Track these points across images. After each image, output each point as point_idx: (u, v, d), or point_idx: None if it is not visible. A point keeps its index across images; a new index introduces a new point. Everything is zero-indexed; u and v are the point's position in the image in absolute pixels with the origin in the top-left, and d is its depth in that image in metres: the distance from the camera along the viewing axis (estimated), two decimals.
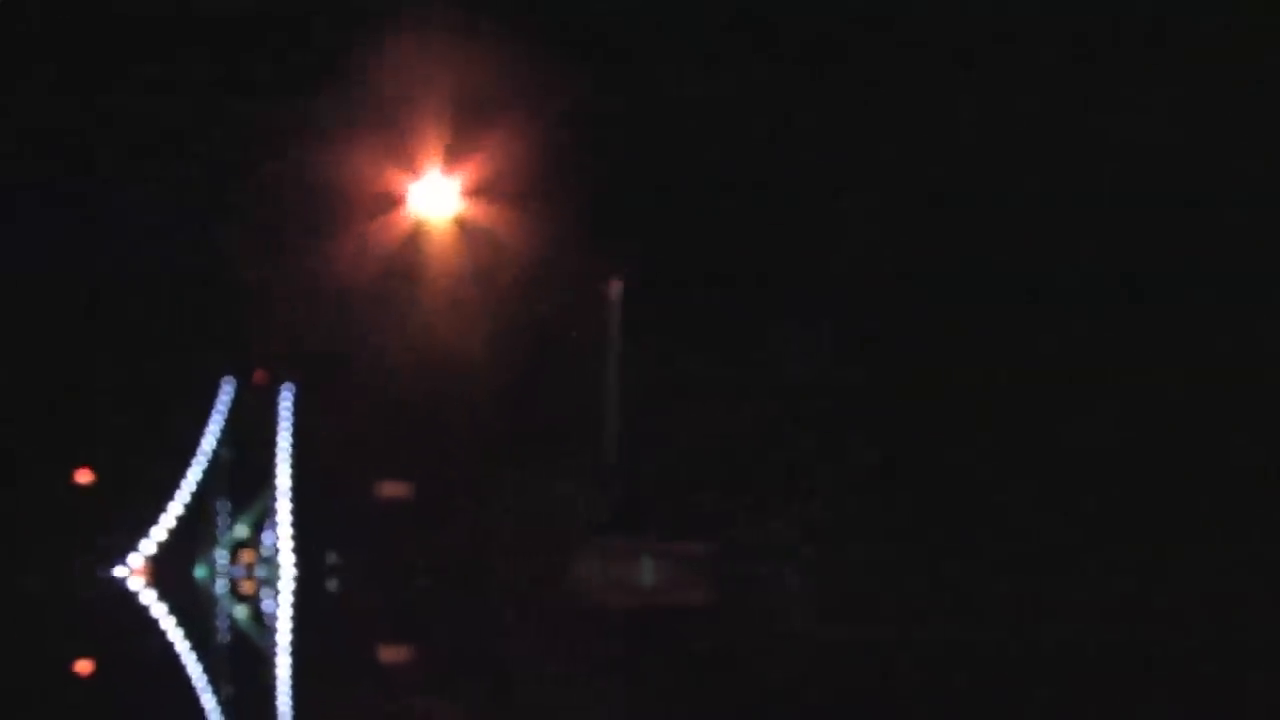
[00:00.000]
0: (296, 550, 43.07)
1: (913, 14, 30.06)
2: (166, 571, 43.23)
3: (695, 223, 31.80)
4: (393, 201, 33.36)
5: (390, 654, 21.68)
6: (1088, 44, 29.39)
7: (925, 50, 30.43)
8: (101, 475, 42.58)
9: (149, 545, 43.97)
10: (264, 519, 44.04)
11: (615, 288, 33.45)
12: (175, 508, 44.21)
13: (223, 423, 44.41)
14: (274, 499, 43.80)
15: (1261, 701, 13.90)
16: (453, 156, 32.58)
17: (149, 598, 36.57)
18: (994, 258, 29.80)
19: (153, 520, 43.97)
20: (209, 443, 44.30)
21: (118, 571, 43.10)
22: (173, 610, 30.46)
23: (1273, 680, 15.37)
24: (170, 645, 22.07)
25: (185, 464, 43.98)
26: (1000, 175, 29.41)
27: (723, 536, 31.34)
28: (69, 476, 42.20)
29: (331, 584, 40.79)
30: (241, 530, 44.56)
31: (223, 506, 44.62)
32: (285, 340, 35.56)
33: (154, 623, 27.40)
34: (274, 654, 20.23)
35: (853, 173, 30.98)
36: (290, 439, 43.82)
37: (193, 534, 44.25)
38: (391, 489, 39.81)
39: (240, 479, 44.52)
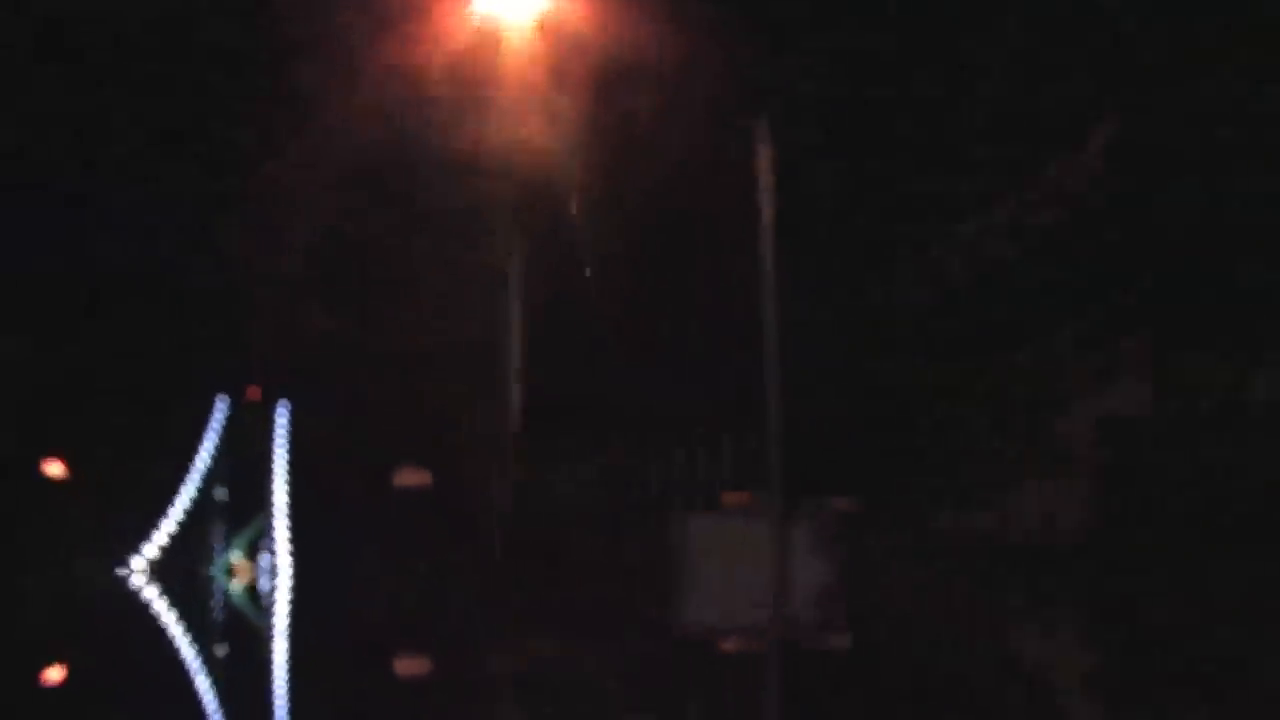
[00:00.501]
0: (295, 569, 42.26)
1: None
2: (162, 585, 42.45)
3: (876, 34, 24.45)
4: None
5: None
6: None
7: None
8: (91, 489, 41.77)
9: (140, 562, 43.24)
10: (261, 538, 43.36)
11: (762, 129, 24.20)
12: (169, 524, 43.56)
13: (217, 440, 43.87)
14: (271, 517, 43.12)
15: None
16: None
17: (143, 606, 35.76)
18: None
19: (145, 536, 43.34)
20: (203, 460, 43.73)
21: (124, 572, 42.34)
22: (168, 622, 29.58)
23: None
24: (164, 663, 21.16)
25: (179, 481, 43.45)
26: None
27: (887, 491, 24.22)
28: (57, 486, 41.46)
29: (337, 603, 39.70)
30: (238, 550, 43.83)
31: (218, 526, 43.91)
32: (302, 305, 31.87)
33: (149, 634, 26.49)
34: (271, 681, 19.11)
35: None
36: (287, 455, 43.22)
37: (187, 551, 43.54)
38: (410, 476, 36.37)
39: (236, 497, 43.85)
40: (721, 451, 26.81)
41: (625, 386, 27.68)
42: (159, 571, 42.28)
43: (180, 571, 42.25)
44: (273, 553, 42.56)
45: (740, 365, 25.68)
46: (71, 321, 36.90)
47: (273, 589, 33.34)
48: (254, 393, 43.54)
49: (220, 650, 19.44)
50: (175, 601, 26.77)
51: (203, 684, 15.11)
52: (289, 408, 43.38)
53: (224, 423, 43.95)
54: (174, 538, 43.58)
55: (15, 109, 28.97)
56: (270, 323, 33.44)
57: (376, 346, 32.24)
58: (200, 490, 43.84)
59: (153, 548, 43.41)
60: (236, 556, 43.71)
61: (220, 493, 43.94)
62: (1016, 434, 26.16)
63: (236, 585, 33.27)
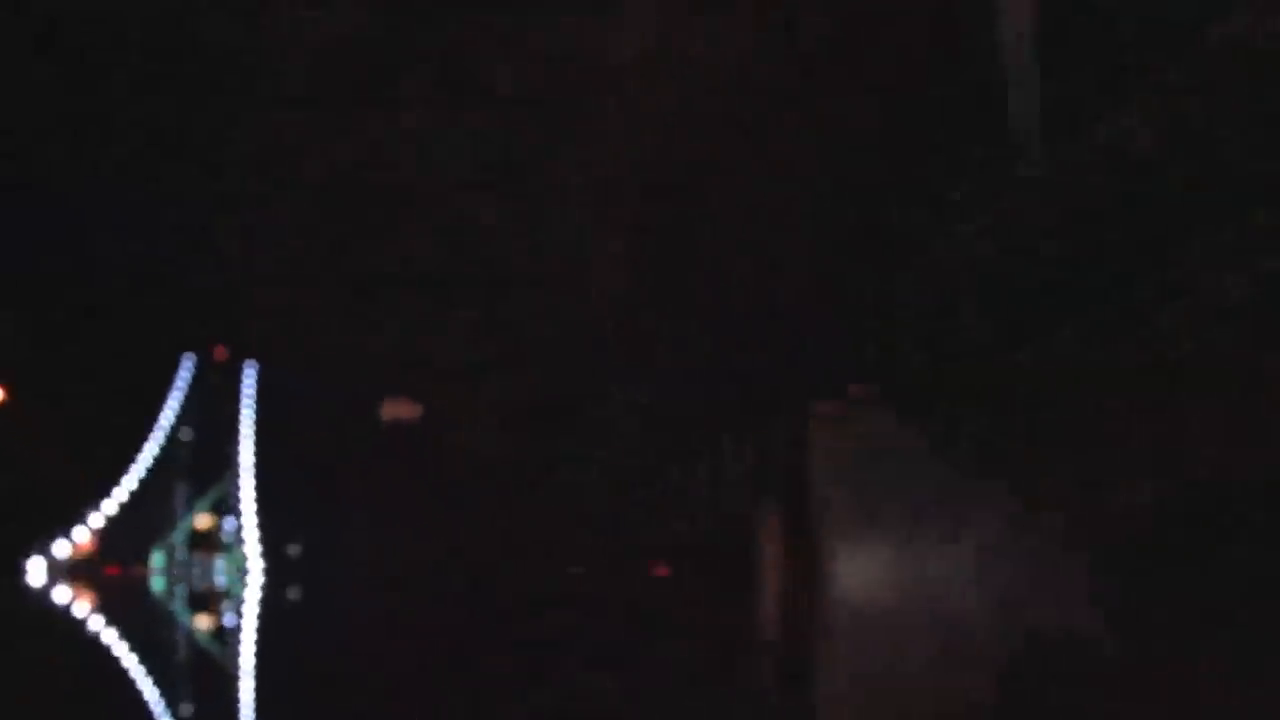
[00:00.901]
0: (262, 536, 41.71)
1: None
2: (118, 549, 41.89)
3: None
4: None
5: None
6: None
7: None
8: (53, 449, 41.04)
9: (97, 519, 42.64)
10: (225, 499, 42.79)
11: None
12: (129, 482, 42.96)
13: (182, 399, 43.19)
14: (237, 480, 42.59)
15: None
16: None
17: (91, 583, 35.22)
18: None
19: (103, 494, 42.74)
20: (167, 419, 43.07)
21: (57, 549, 41.63)
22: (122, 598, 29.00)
23: None
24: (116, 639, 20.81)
25: (139, 442, 42.81)
26: None
27: None
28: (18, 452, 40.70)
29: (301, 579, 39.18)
30: (202, 510, 43.22)
31: (181, 486, 43.26)
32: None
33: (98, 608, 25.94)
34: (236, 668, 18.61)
35: None
36: (254, 417, 42.70)
37: (147, 515, 42.94)
38: (399, 409, 32.97)
39: (200, 457, 43.23)
40: (723, 452, 26.54)
41: (630, 384, 27.35)
42: (113, 542, 41.61)
43: (136, 545, 41.73)
44: (238, 514, 42.06)
45: (745, 364, 25.34)
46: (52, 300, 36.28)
47: (238, 626, 31.82)
48: (221, 352, 42.95)
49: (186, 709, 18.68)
50: (135, 645, 25.86)
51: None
52: (257, 368, 42.93)
53: (190, 381, 43.33)
54: (134, 494, 42.95)
55: (16, 109, 28.30)
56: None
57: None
58: (164, 448, 43.22)
59: (112, 504, 42.82)
60: (202, 520, 43.12)
61: (184, 452, 43.32)
62: (1016, 434, 26.07)
63: (200, 623, 32.35)
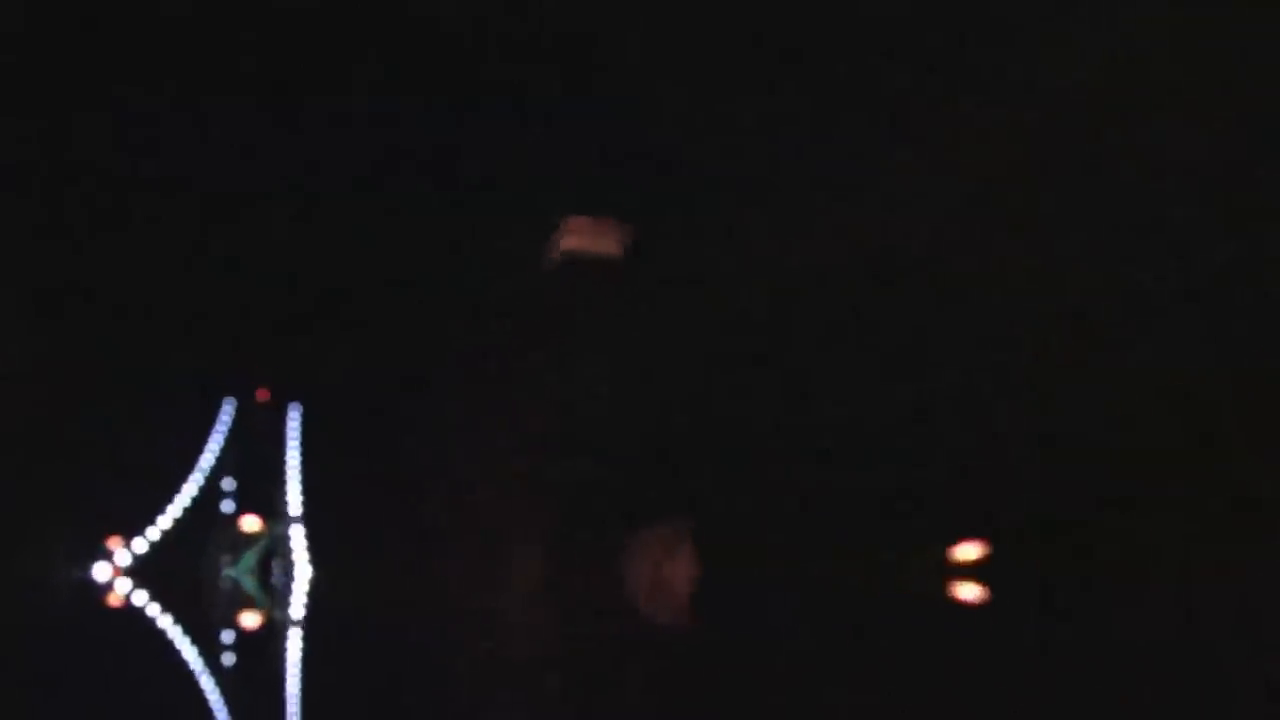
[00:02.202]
0: (313, 580, 40.01)
1: None
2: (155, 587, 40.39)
3: None
4: None
5: None
6: None
7: None
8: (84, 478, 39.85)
9: (123, 556, 41.22)
10: (272, 554, 41.09)
11: None
12: (165, 521, 41.50)
13: (223, 442, 41.69)
14: (285, 525, 41.02)
15: None
16: None
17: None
18: None
19: (139, 530, 41.34)
20: (207, 461, 41.59)
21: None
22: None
23: None
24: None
25: (180, 481, 41.41)
26: None
27: None
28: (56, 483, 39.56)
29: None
30: (245, 569, 41.38)
31: (223, 538, 41.61)
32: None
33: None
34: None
35: None
36: (299, 460, 41.21)
37: (188, 558, 41.34)
38: (586, 236, 25.08)
39: (243, 504, 41.71)
40: None
41: None
42: (150, 570, 40.19)
43: (177, 572, 40.24)
44: (288, 573, 40.27)
45: None
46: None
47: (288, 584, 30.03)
48: (263, 394, 41.65)
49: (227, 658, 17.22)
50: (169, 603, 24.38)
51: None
52: (301, 409, 41.60)
53: (231, 425, 41.87)
54: (168, 535, 41.49)
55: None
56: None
57: None
58: (202, 490, 41.71)
59: (142, 542, 41.34)
60: (247, 582, 41.20)
61: (226, 503, 41.72)
62: None
63: (246, 563, 31.00)
